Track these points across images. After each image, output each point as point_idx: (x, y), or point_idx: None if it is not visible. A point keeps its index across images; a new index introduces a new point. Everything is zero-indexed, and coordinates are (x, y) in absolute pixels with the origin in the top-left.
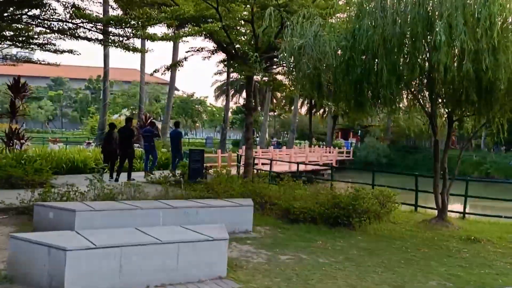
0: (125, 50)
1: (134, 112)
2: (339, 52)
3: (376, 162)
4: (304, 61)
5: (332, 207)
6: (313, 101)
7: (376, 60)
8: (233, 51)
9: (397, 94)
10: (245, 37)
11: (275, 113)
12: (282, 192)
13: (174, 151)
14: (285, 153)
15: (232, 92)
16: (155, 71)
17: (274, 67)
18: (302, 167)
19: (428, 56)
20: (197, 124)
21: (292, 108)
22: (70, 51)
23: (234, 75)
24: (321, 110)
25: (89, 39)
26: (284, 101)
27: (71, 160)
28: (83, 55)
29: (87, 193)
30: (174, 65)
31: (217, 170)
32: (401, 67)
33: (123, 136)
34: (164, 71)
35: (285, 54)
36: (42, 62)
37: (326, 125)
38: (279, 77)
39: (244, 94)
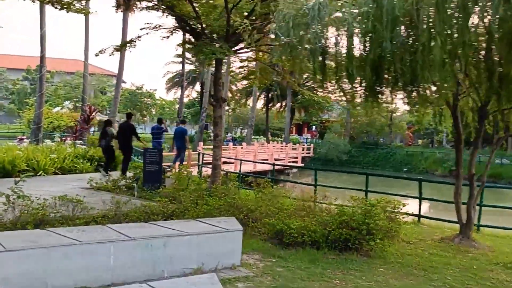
0: (64, 9)
1: (77, 105)
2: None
3: (337, 159)
4: (308, 36)
5: (339, 226)
6: (269, 94)
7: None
8: (200, 28)
9: (450, 80)
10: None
11: (230, 107)
12: (265, 204)
13: (178, 148)
14: (248, 150)
15: (185, 84)
16: (101, 52)
17: (246, 50)
18: (266, 166)
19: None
20: (145, 118)
21: (248, 102)
22: None
23: (187, 66)
24: (278, 104)
25: None
26: (239, 94)
27: None
28: (21, 44)
29: (4, 213)
30: (125, 45)
31: (177, 173)
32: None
33: (122, 132)
34: (112, 52)
35: (277, 28)
36: None
37: (282, 120)
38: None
39: (197, 87)
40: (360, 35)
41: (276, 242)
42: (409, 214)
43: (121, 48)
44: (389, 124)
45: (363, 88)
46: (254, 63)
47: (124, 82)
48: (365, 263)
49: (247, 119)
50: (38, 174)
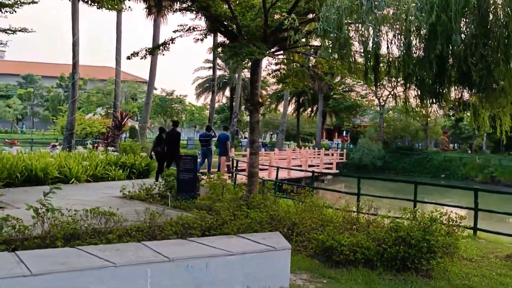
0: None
1: (109, 111)
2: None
3: (371, 165)
4: (361, 32)
5: (395, 243)
6: (301, 99)
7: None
8: (236, 29)
9: None
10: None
11: (260, 112)
12: (308, 215)
13: (221, 154)
14: (281, 156)
15: (215, 89)
16: (133, 54)
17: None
18: (301, 173)
19: None
20: None
21: (279, 107)
22: (24, 30)
23: (217, 72)
24: (309, 109)
25: None
26: (269, 99)
27: (28, 167)
28: (55, 52)
29: (32, 227)
30: (158, 48)
31: (211, 181)
32: None
33: (170, 139)
34: (144, 55)
35: (326, 23)
36: None
37: (312, 125)
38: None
39: (227, 92)
40: (421, 29)
41: (324, 260)
42: (467, 227)
43: (154, 50)
44: (425, 129)
45: (420, 89)
46: (290, 65)
47: (155, 88)
48: (427, 285)
49: (277, 124)
50: (70, 182)
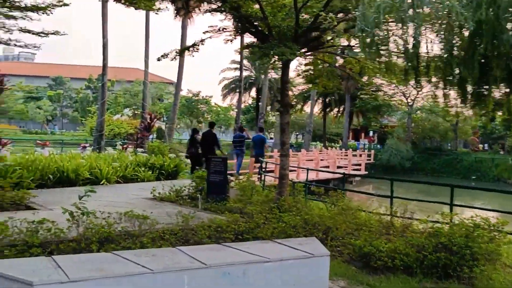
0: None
1: (136, 112)
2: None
3: (399, 166)
4: (401, 29)
5: (435, 250)
6: (327, 99)
7: None
8: (267, 30)
9: None
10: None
11: None
12: (342, 219)
13: (257, 155)
14: (309, 157)
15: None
16: (163, 56)
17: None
18: (329, 174)
19: None
20: (201, 125)
21: (305, 107)
22: (56, 33)
23: (244, 72)
24: (335, 109)
25: None
26: (295, 99)
27: (60, 169)
28: (84, 54)
29: (67, 230)
30: (187, 49)
31: (240, 182)
32: None
33: (205, 140)
34: (174, 56)
35: (364, 21)
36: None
37: (338, 125)
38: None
39: (253, 93)
40: (465, 27)
41: (360, 266)
42: (509, 233)
43: (183, 52)
44: (454, 129)
45: (462, 89)
46: (319, 66)
47: (181, 89)
48: None
49: (302, 125)
50: (100, 183)
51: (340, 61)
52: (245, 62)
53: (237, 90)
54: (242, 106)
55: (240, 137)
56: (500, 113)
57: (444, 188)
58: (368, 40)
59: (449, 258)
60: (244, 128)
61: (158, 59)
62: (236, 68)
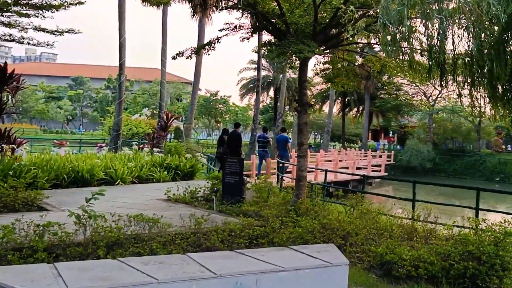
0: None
1: (155, 112)
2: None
3: (420, 167)
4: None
5: (462, 258)
6: (346, 99)
7: None
8: (285, 27)
9: None
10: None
11: None
12: (362, 224)
13: (281, 155)
14: (328, 158)
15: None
16: (178, 54)
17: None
18: (348, 175)
19: None
20: (219, 124)
21: (323, 107)
22: (71, 31)
23: (262, 72)
24: (355, 109)
25: None
26: (314, 99)
27: (74, 169)
28: (103, 53)
29: (74, 234)
30: (203, 47)
31: (257, 184)
32: None
33: (230, 141)
34: (190, 55)
35: (386, 15)
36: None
37: (357, 125)
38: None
39: (271, 93)
40: (496, 22)
41: (381, 274)
42: None
43: (199, 50)
44: (477, 129)
45: (492, 88)
46: (338, 64)
47: (199, 89)
48: None
49: (321, 125)
50: (115, 184)
51: (360, 60)
52: (263, 62)
53: (255, 90)
54: (260, 106)
55: (265, 137)
56: None
57: (466, 191)
58: (389, 37)
59: (477, 268)
60: (267, 128)
61: (173, 58)
62: (254, 68)
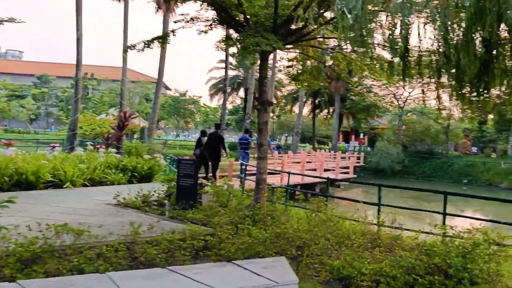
0: None
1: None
2: None
3: (389, 169)
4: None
5: (428, 271)
6: (316, 100)
7: None
8: (244, 19)
9: None
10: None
11: (274, 114)
12: (321, 232)
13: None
14: (295, 159)
15: (229, 90)
16: (130, 47)
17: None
18: (315, 178)
19: None
20: (190, 125)
21: (294, 108)
22: (12, 20)
23: (231, 72)
24: (325, 111)
25: None
26: (284, 100)
27: (18, 171)
28: (71, 52)
29: None
30: (158, 39)
31: (214, 187)
32: None
33: (209, 142)
34: (142, 48)
35: (344, 2)
36: None
37: (328, 127)
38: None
39: (242, 93)
40: (463, 7)
41: None
42: (504, 245)
43: (151, 43)
44: (446, 132)
45: (459, 83)
46: (304, 62)
47: (169, 89)
48: None
49: (292, 126)
50: (64, 186)
51: (331, 61)
52: (233, 61)
53: (223, 89)
54: (231, 106)
55: (246, 139)
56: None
57: (447, 198)
58: (347, 23)
59: (443, 283)
60: (250, 130)
61: (125, 51)
62: (224, 67)
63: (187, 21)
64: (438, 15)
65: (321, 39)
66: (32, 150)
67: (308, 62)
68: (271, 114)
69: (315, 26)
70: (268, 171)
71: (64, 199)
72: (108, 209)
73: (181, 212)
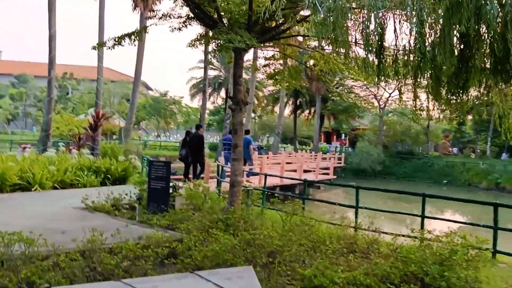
0: None
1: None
2: None
3: (370, 170)
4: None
5: (404, 280)
6: (298, 101)
7: None
8: (217, 15)
9: None
10: None
11: (256, 114)
12: (296, 236)
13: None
14: (275, 160)
15: (210, 90)
16: (99, 45)
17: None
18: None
19: None
20: (171, 126)
21: (275, 108)
22: None
23: (212, 72)
24: (306, 111)
25: None
26: (266, 101)
27: None
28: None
29: None
30: (128, 36)
31: (190, 189)
32: None
33: (192, 142)
34: (113, 45)
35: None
36: None
37: (310, 127)
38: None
39: (223, 93)
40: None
41: None
42: (481, 249)
43: (122, 39)
44: (426, 132)
45: (436, 81)
46: (282, 61)
47: (150, 89)
48: None
49: (274, 127)
50: (33, 189)
51: (311, 62)
52: (215, 62)
53: (203, 88)
54: (212, 106)
55: (230, 140)
56: (470, 117)
57: (425, 200)
58: (319, 17)
59: None
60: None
61: (94, 48)
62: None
63: (160, 18)
64: (413, 7)
65: (302, 40)
66: (5, 151)
67: (289, 62)
68: (252, 115)
69: (291, 23)
70: (246, 172)
71: (31, 202)
72: (75, 213)
73: (151, 216)
